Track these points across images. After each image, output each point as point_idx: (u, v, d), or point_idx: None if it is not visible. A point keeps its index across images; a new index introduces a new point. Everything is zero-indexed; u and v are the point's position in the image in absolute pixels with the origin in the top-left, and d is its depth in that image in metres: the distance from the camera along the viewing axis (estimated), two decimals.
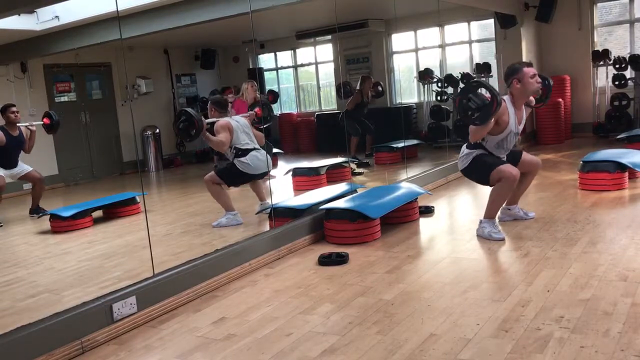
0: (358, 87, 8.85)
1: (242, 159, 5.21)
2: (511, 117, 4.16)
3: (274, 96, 5.74)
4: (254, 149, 5.29)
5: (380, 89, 9.20)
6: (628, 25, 9.41)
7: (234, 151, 5.22)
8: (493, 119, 3.99)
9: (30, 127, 6.47)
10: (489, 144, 4.24)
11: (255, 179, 5.46)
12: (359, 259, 4.00)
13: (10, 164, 6.41)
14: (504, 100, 4.10)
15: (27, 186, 6.65)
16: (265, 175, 5.47)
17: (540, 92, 4.34)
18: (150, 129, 10.29)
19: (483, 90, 3.97)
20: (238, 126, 5.26)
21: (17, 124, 6.39)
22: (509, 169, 4.16)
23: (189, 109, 4.88)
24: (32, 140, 6.52)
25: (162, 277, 3.38)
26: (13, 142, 6.35)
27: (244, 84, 6.89)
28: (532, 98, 4.37)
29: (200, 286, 3.53)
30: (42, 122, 6.41)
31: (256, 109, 5.73)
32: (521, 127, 4.31)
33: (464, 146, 4.40)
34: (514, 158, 4.43)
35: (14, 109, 6.36)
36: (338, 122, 8.47)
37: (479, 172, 4.34)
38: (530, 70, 4.14)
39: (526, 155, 4.54)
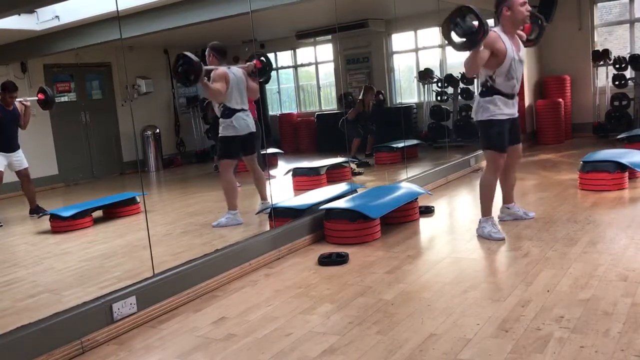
0: (360, 97, 8.91)
1: (226, 120, 5.13)
2: (507, 45, 4.09)
3: (263, 63, 5.47)
4: (241, 109, 5.20)
5: (382, 97, 9.25)
6: (628, 25, 9.41)
7: (221, 108, 5.15)
8: (485, 48, 3.90)
9: (24, 102, 6.43)
10: (498, 79, 4.14)
11: (246, 144, 5.31)
12: (359, 259, 4.00)
13: (9, 144, 6.33)
14: (494, 31, 4.05)
15: None
16: (253, 137, 5.35)
17: (532, 30, 4.33)
18: (150, 129, 10.29)
19: (471, 18, 3.80)
20: (234, 79, 5.14)
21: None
22: (500, 160, 4.23)
23: (188, 53, 4.64)
24: (27, 115, 6.48)
25: (162, 277, 3.38)
26: (8, 116, 6.30)
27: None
28: (522, 33, 4.33)
29: (200, 286, 3.53)
30: (37, 98, 6.35)
31: (255, 61, 5.55)
32: (522, 55, 4.24)
33: (477, 94, 4.32)
34: (514, 137, 4.39)
35: (14, 94, 6.32)
36: (338, 127, 8.48)
37: (483, 137, 4.30)
38: None
39: (519, 146, 4.51)
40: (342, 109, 9.37)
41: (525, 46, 4.46)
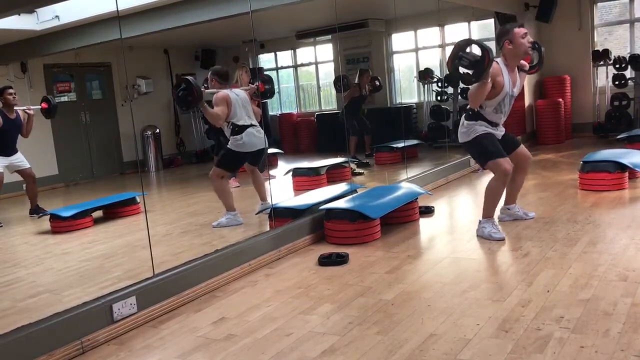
0: (356, 81, 8.85)
1: (237, 137, 5.16)
2: (505, 79, 4.15)
3: (266, 85, 5.52)
4: (251, 125, 5.23)
5: (378, 83, 9.18)
6: (628, 25, 9.41)
7: (230, 127, 5.17)
8: (490, 79, 3.96)
9: (28, 111, 6.45)
10: (487, 109, 4.21)
11: (253, 159, 5.39)
12: (359, 259, 4.00)
13: (8, 149, 6.35)
14: (497, 62, 4.10)
15: None
16: (262, 152, 5.40)
17: (533, 57, 4.37)
18: (150, 129, 10.29)
19: (474, 47, 3.93)
20: (237, 100, 5.18)
21: (15, 107, 6.37)
22: (505, 164, 4.19)
23: (189, 77, 4.76)
24: (30, 124, 6.49)
25: (162, 277, 3.38)
26: (10, 124, 6.31)
27: (238, 70, 6.80)
28: (524, 62, 4.38)
29: (200, 286, 3.53)
30: (40, 107, 6.39)
31: (258, 83, 5.60)
32: (516, 91, 4.30)
33: (463, 117, 4.36)
34: (512, 144, 4.44)
35: (11, 90, 6.32)
36: (339, 118, 8.46)
37: (478, 154, 4.36)
38: (521, 31, 4.16)
39: (522, 148, 4.55)
40: (338, 92, 9.27)
41: (528, 74, 4.55)
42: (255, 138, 5.23)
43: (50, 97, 6.57)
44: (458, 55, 3.82)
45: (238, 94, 5.25)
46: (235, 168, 5.50)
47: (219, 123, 5.17)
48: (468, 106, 4.29)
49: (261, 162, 5.60)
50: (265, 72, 11.96)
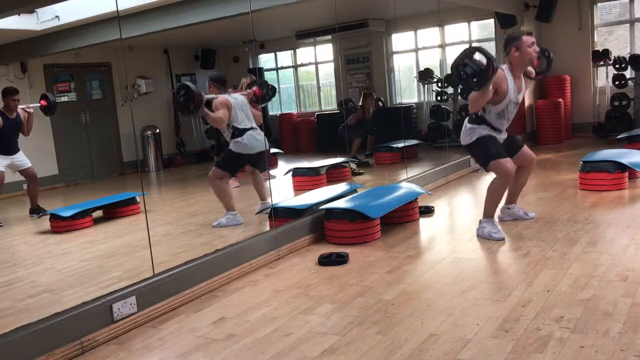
0: (360, 104, 8.94)
1: (238, 139, 5.19)
2: (510, 86, 4.16)
3: (262, 89, 5.57)
4: (251, 128, 5.28)
5: (381, 104, 9.29)
6: (628, 25, 9.41)
7: (232, 130, 5.21)
8: (492, 87, 3.97)
9: (27, 110, 6.45)
10: (490, 114, 4.22)
11: (254, 161, 5.41)
12: (359, 259, 4.00)
13: (9, 148, 6.36)
14: (502, 69, 4.12)
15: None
16: (263, 155, 5.42)
17: (540, 63, 4.39)
18: (150, 129, 10.29)
19: (479, 56, 3.94)
20: (236, 103, 5.23)
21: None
22: (507, 164, 4.19)
23: (189, 83, 4.80)
24: (30, 122, 6.49)
25: (162, 277, 3.38)
26: (10, 124, 6.31)
27: (243, 79, 6.88)
28: (531, 69, 4.39)
29: (200, 286, 3.53)
30: (39, 104, 6.38)
31: (254, 88, 5.64)
32: (521, 97, 4.31)
33: (466, 120, 4.38)
34: (515, 146, 4.45)
35: (16, 97, 6.32)
36: (338, 131, 8.48)
37: (480, 155, 4.36)
38: (529, 39, 4.18)
39: (526, 149, 4.56)
40: (342, 113, 9.41)
41: (533, 79, 4.58)
42: (255, 141, 5.26)
43: (49, 94, 6.56)
44: (463, 62, 3.84)
45: (236, 99, 5.31)
46: (235, 170, 5.52)
47: (221, 126, 5.22)
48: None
49: (262, 164, 5.62)
50: (266, 72, 12.00)
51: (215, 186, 5.25)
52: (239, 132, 5.20)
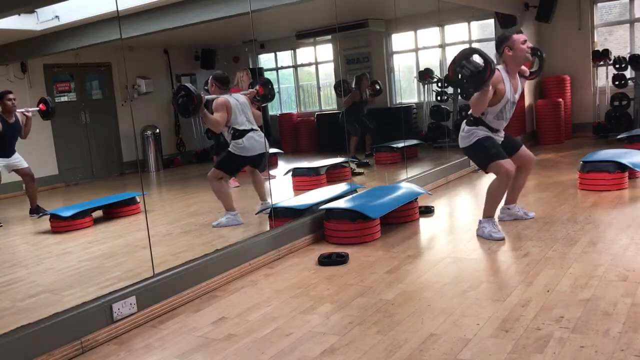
0: (354, 86, 8.85)
1: (238, 141, 5.18)
2: (507, 86, 4.17)
3: (265, 88, 5.53)
4: (252, 129, 5.25)
5: (378, 87, 9.18)
6: (628, 25, 9.41)
7: (231, 132, 5.19)
8: (491, 87, 3.97)
9: (26, 113, 6.46)
10: (489, 116, 4.23)
11: (254, 163, 5.41)
12: (359, 259, 4.00)
13: (7, 151, 6.37)
14: (498, 70, 4.11)
15: None
16: (263, 156, 5.41)
17: (533, 63, 4.40)
18: (150, 129, 10.28)
19: (476, 57, 3.94)
20: (237, 105, 5.20)
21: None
22: (507, 165, 4.19)
23: (189, 84, 4.77)
24: (29, 126, 6.50)
25: (162, 277, 3.38)
26: (9, 128, 6.33)
27: (239, 72, 6.83)
28: (525, 68, 4.40)
29: (200, 286, 3.53)
30: (38, 109, 6.39)
31: (257, 87, 5.61)
32: (517, 96, 4.32)
33: (464, 122, 4.38)
34: (514, 146, 4.45)
35: (11, 96, 6.33)
36: (338, 121, 8.46)
37: (479, 157, 4.37)
38: (521, 37, 4.18)
39: (524, 149, 4.57)
40: (339, 97, 9.30)
41: (528, 79, 4.58)
42: (256, 142, 5.25)
43: (49, 98, 6.57)
44: (460, 64, 3.83)
45: (238, 99, 5.28)
46: (235, 171, 5.52)
47: (218, 129, 5.19)
48: (469, 112, 4.29)
49: (262, 165, 5.62)
50: (266, 72, 12.00)
51: (214, 186, 5.25)
52: (239, 134, 5.19)
